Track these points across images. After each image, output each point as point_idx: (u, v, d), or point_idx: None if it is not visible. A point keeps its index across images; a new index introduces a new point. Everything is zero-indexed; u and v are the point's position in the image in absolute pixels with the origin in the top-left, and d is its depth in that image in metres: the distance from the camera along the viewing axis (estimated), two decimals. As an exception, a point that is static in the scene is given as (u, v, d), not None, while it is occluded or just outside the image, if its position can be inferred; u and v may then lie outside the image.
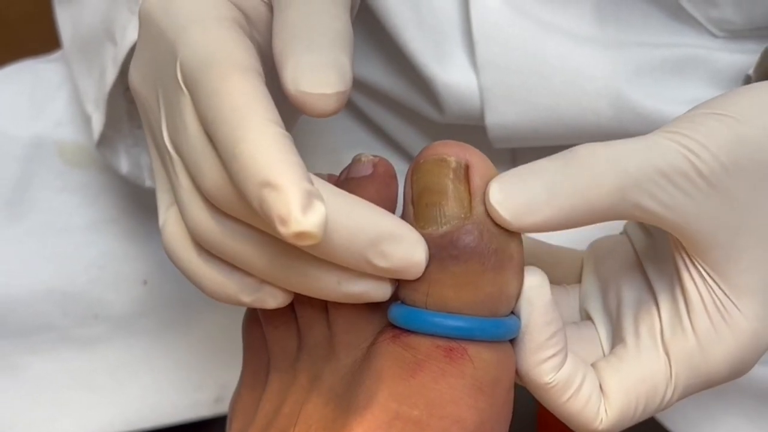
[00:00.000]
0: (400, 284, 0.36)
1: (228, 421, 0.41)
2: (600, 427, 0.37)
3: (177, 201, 0.36)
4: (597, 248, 0.42)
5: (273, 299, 0.35)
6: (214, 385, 0.60)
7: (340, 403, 0.36)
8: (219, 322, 0.60)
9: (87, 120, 0.54)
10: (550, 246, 0.43)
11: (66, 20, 0.56)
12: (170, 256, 0.37)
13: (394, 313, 0.36)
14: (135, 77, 0.38)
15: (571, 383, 0.37)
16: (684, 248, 0.37)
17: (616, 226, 0.42)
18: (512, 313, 0.37)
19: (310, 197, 0.29)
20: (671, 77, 0.49)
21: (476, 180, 0.35)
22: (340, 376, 0.37)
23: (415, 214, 0.36)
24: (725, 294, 0.37)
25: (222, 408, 0.59)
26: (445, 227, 0.35)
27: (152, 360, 0.59)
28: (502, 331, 0.36)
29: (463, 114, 0.51)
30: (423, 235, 0.35)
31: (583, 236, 0.42)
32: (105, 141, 0.52)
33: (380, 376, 0.35)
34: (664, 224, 0.36)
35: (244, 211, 0.33)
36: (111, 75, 0.50)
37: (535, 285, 0.37)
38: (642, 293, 0.40)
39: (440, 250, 0.35)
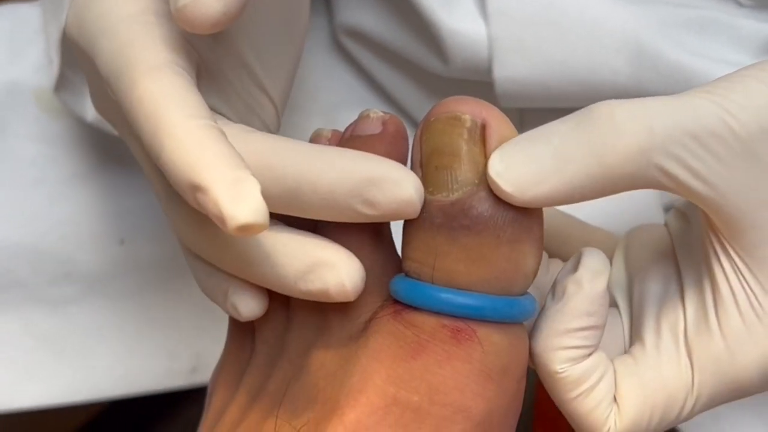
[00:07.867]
0: (404, 256, 0.34)
1: (208, 395, 0.39)
2: None
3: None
4: (633, 235, 0.39)
5: (245, 307, 0.35)
6: (190, 353, 0.58)
7: (332, 382, 0.34)
8: (198, 287, 0.58)
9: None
10: (584, 224, 0.40)
11: None
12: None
13: (396, 286, 0.34)
14: (95, 103, 0.39)
15: (585, 380, 0.34)
16: (716, 231, 0.34)
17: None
18: (527, 292, 0.34)
19: (238, 186, 0.29)
20: (696, 35, 0.47)
21: (493, 141, 0.33)
22: (333, 352, 0.35)
23: (424, 177, 0.33)
24: (762, 287, 0.34)
25: (198, 378, 0.58)
26: (456, 194, 0.33)
27: (125, 325, 0.58)
28: (516, 312, 0.33)
29: (469, 65, 0.49)
30: (432, 201, 0.33)
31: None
32: (70, 86, 0.52)
33: (378, 356, 0.33)
34: (694, 196, 0.33)
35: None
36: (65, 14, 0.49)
37: (592, 268, 0.34)
38: (670, 286, 0.37)
39: (450, 219, 0.33)
